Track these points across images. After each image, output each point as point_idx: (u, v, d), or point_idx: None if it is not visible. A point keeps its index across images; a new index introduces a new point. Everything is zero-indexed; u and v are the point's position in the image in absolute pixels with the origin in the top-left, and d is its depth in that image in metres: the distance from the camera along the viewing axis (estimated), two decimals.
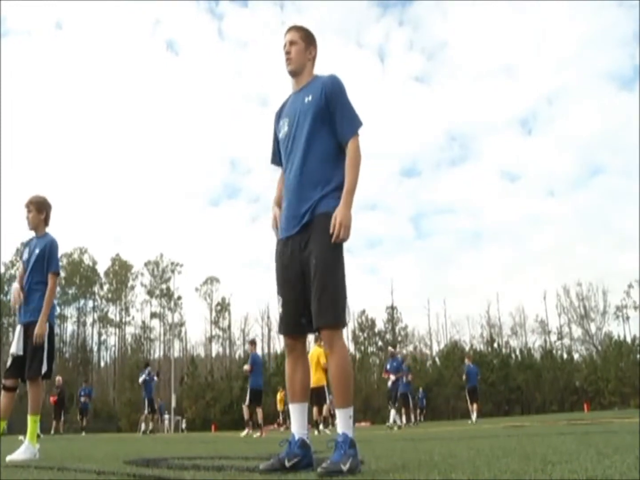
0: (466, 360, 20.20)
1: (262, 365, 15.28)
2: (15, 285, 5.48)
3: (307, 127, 2.96)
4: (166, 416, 32.88)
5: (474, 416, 18.06)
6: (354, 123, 2.98)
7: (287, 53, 3.09)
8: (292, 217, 2.92)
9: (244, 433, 14.09)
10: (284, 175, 3.08)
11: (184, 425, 31.68)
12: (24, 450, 4.96)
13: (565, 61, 71.95)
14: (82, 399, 21.95)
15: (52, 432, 20.52)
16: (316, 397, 13.28)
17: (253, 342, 16.68)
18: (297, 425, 2.86)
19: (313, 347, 13.87)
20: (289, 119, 3.07)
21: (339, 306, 2.77)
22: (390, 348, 16.29)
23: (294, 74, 3.11)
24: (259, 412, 14.27)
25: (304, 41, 3.11)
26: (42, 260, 5.28)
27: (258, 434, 13.56)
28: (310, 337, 15.20)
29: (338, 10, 77.31)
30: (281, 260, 2.96)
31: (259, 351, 59.90)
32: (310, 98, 3.00)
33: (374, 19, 76.06)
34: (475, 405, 18.40)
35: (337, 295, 2.78)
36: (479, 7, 73.56)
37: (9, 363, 5.25)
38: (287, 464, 2.73)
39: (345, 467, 2.51)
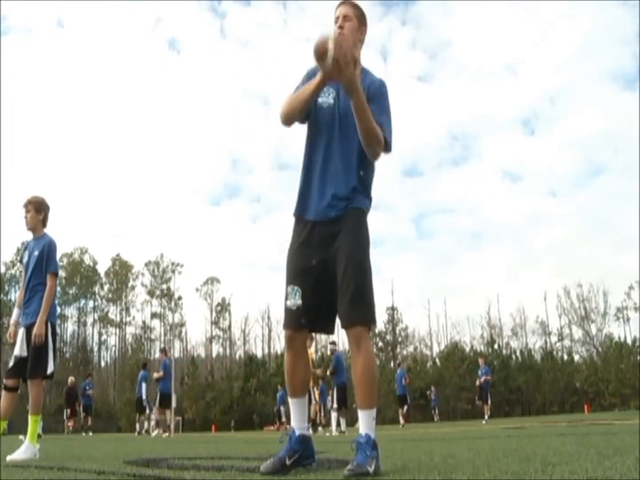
0: (480, 362, 20.29)
1: (171, 372, 16.59)
2: (12, 320, 5.51)
3: (352, 119, 2.75)
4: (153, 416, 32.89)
5: (486, 416, 18.47)
6: (387, 134, 2.79)
7: (340, 28, 2.85)
8: (327, 201, 2.75)
9: (154, 433, 15.57)
10: (320, 147, 2.83)
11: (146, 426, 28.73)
12: (25, 450, 4.96)
13: (568, 60, 71.90)
14: (88, 392, 21.36)
15: (71, 430, 20.49)
16: None
17: (164, 350, 18.52)
18: (297, 420, 2.77)
19: None
20: (335, 93, 2.87)
21: (371, 305, 2.70)
22: (330, 345, 15.63)
23: None
24: (168, 413, 15.78)
25: (358, 19, 2.91)
26: (42, 262, 5.30)
27: (167, 434, 15.28)
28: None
29: None
30: (303, 248, 2.77)
31: (259, 352, 59.53)
32: None
33: (376, 18, 75.83)
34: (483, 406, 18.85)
35: (370, 294, 2.70)
36: (481, 7, 73.46)
37: (11, 363, 5.27)
38: (287, 462, 2.65)
39: (371, 469, 2.45)
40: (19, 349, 5.18)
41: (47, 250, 5.31)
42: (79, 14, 79.05)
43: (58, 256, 5.55)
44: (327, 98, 2.87)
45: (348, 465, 2.52)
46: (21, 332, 5.28)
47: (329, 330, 2.87)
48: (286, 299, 2.75)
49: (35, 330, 5.08)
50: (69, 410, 20.72)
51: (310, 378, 12.16)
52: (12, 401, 5.25)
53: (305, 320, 2.73)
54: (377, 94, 2.83)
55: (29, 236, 5.54)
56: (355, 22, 2.89)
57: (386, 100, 2.86)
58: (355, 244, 2.72)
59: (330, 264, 2.71)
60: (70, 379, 21.73)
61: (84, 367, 53.82)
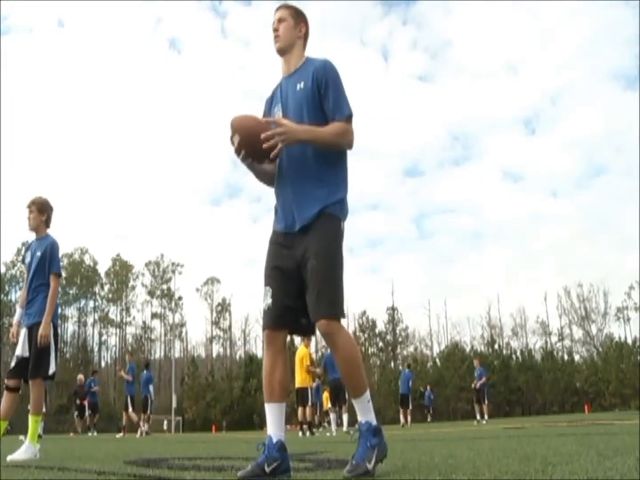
0: (475, 363, 20.25)
1: (135, 374, 17.17)
2: (15, 321, 5.54)
3: (305, 117, 2.78)
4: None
5: (484, 416, 18.35)
6: (343, 108, 2.77)
7: (275, 30, 2.94)
8: (295, 213, 2.76)
9: (119, 435, 16.52)
10: (280, 162, 2.84)
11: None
12: (25, 450, 4.96)
13: (570, 60, 72.12)
14: (94, 389, 20.88)
15: (83, 431, 20.22)
16: (300, 397, 13.21)
17: (130, 352, 18.55)
18: (275, 427, 2.67)
19: (299, 347, 13.85)
20: (282, 105, 2.89)
21: (336, 297, 2.66)
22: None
23: (283, 52, 2.95)
24: (134, 415, 16.37)
25: (292, 18, 2.96)
26: (44, 262, 5.30)
27: (122, 434, 16.15)
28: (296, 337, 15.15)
29: (342, 9, 77.64)
30: (276, 250, 2.79)
31: (259, 352, 59.56)
32: (302, 85, 2.83)
33: (377, 18, 76.31)
34: (481, 406, 18.75)
35: (334, 287, 2.66)
36: (482, 6, 73.89)
37: (12, 363, 5.28)
38: (266, 469, 2.54)
39: (370, 465, 2.47)
40: (21, 349, 5.19)
41: (50, 251, 5.31)
42: (79, 13, 79.41)
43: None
44: (276, 114, 2.89)
45: (348, 463, 2.51)
46: (23, 332, 5.28)
47: (307, 331, 2.83)
48: (262, 301, 2.78)
49: (40, 331, 5.07)
50: (76, 410, 20.35)
51: (309, 377, 11.93)
52: (13, 401, 5.25)
53: (277, 317, 2.72)
54: (324, 79, 2.81)
55: (29, 236, 5.55)
56: (289, 22, 2.95)
57: (334, 82, 2.82)
58: (322, 242, 2.70)
59: (301, 266, 2.72)
60: (79, 377, 21.40)
61: (84, 367, 53.86)
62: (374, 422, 2.61)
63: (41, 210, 5.40)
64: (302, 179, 2.76)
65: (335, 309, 2.66)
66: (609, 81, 74.12)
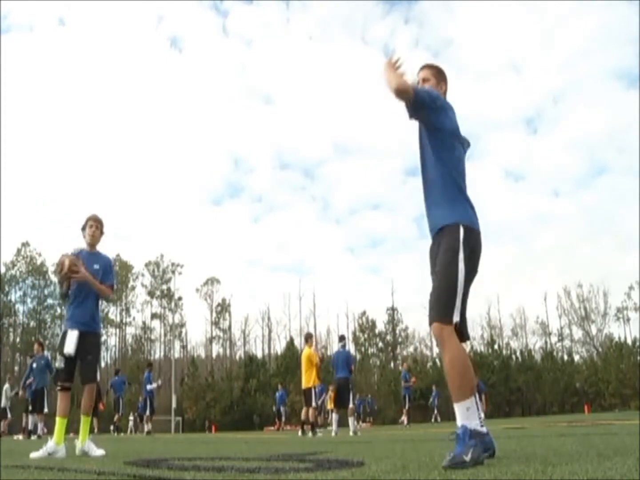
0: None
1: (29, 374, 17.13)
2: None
3: (423, 144, 3.36)
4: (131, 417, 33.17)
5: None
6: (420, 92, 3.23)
7: None
8: (430, 221, 3.30)
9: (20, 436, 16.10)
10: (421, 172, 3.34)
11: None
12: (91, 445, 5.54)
13: (572, 59, 71.85)
14: (126, 384, 20.04)
15: (95, 431, 19.92)
16: (304, 397, 13.16)
17: (40, 342, 18.85)
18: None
19: (305, 349, 13.68)
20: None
21: (440, 303, 2.96)
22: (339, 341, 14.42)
23: None
24: (31, 417, 16.17)
25: (435, 78, 3.40)
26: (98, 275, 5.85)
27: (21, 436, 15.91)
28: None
29: (344, 7, 77.40)
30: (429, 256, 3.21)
31: (259, 352, 58.92)
32: None
33: (379, 16, 76.00)
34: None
35: (442, 293, 2.97)
36: (484, 5, 73.52)
37: (62, 364, 5.57)
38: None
39: (467, 458, 2.65)
40: (70, 348, 5.53)
41: (107, 267, 6.02)
42: (80, 12, 78.66)
43: (57, 257, 5.76)
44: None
45: (446, 456, 2.67)
46: (76, 333, 5.60)
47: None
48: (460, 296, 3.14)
49: (81, 273, 5.62)
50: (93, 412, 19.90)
51: (314, 378, 11.78)
52: (68, 401, 5.66)
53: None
54: None
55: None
56: (432, 82, 3.39)
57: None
58: (441, 252, 3.07)
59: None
60: None
61: None
62: (472, 426, 2.78)
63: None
64: (427, 189, 3.31)
65: (437, 314, 2.94)
66: (611, 80, 73.86)
